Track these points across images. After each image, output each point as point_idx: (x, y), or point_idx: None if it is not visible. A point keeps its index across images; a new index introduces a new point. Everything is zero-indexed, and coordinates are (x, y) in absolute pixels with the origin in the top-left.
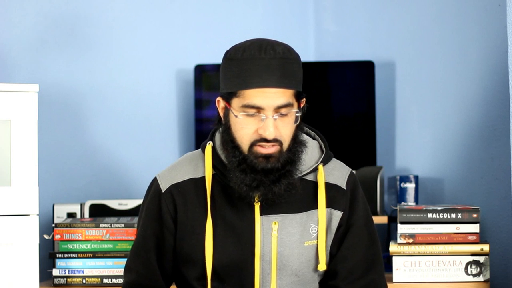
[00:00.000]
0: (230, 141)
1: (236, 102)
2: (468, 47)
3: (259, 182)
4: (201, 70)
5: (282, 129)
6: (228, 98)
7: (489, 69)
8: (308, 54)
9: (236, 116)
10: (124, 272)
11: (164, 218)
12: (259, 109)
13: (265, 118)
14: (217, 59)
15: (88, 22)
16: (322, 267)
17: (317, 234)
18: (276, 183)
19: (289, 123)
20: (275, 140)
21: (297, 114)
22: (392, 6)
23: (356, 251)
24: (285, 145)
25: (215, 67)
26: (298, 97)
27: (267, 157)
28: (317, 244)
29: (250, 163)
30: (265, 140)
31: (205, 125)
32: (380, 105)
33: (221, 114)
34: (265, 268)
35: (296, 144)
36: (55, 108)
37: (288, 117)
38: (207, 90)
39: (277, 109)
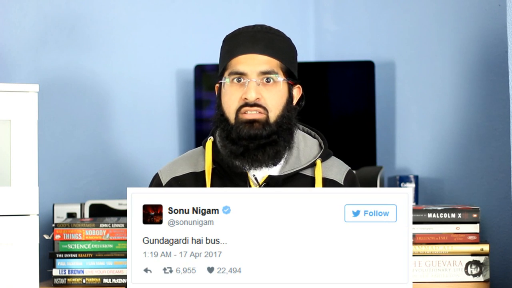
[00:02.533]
0: (220, 115)
1: (225, 75)
2: (467, 47)
3: (244, 149)
4: (201, 70)
5: (268, 96)
6: (221, 76)
7: (489, 69)
8: (308, 54)
9: (224, 82)
10: None
11: None
12: (242, 74)
13: (248, 81)
14: (217, 59)
15: (89, 21)
16: None
17: None
18: (260, 149)
19: (276, 93)
20: (259, 106)
21: (282, 80)
22: (392, 6)
23: None
24: (272, 115)
25: (215, 67)
26: (287, 74)
27: (251, 122)
28: None
29: (236, 130)
30: (248, 105)
31: (205, 125)
32: (380, 105)
33: (217, 97)
34: None
35: (284, 120)
36: (55, 108)
37: (274, 86)
38: (207, 90)
39: (261, 74)
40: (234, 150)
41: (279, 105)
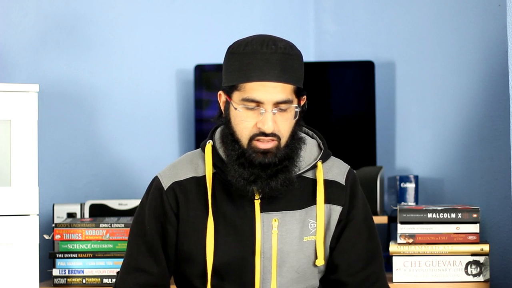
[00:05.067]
0: (229, 135)
1: (236, 96)
2: (468, 47)
3: (256, 177)
4: (201, 70)
5: (281, 124)
6: (229, 91)
7: (489, 69)
8: (308, 54)
9: (235, 108)
10: (130, 271)
11: (168, 214)
12: (258, 103)
13: (264, 111)
14: (217, 59)
15: (88, 22)
16: (320, 262)
17: (316, 229)
18: (273, 178)
19: (288, 118)
20: (273, 135)
21: (296, 110)
22: (392, 6)
23: (356, 244)
24: (283, 140)
25: (215, 67)
26: (298, 93)
27: (265, 152)
28: (315, 240)
29: (248, 157)
30: (264, 134)
31: (205, 125)
32: (380, 105)
33: (222, 108)
34: (265, 265)
35: (295, 140)
36: (55, 108)
37: (287, 113)
38: (207, 90)
39: (277, 104)
40: (245, 177)
41: (290, 129)
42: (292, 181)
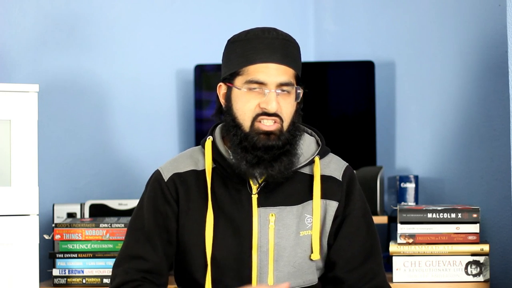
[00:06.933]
0: (231, 121)
1: (239, 80)
2: (467, 47)
3: (259, 159)
4: (201, 70)
5: (284, 106)
6: (230, 79)
7: (489, 69)
8: (308, 54)
9: (239, 89)
10: (127, 259)
11: (169, 202)
12: (262, 84)
13: (268, 92)
14: (217, 59)
15: (88, 22)
16: (316, 256)
17: (312, 224)
18: (276, 160)
19: (290, 102)
20: (276, 115)
21: (299, 92)
22: (392, 6)
23: (353, 241)
24: (285, 124)
25: (215, 67)
26: (297, 82)
27: (268, 133)
28: (311, 234)
29: (251, 140)
30: (267, 114)
31: (205, 125)
32: (380, 105)
33: (222, 99)
34: (262, 260)
35: (295, 128)
36: (55, 108)
37: (289, 96)
38: (207, 90)
39: (280, 85)
40: (248, 159)
41: (291, 114)
42: (294, 164)
